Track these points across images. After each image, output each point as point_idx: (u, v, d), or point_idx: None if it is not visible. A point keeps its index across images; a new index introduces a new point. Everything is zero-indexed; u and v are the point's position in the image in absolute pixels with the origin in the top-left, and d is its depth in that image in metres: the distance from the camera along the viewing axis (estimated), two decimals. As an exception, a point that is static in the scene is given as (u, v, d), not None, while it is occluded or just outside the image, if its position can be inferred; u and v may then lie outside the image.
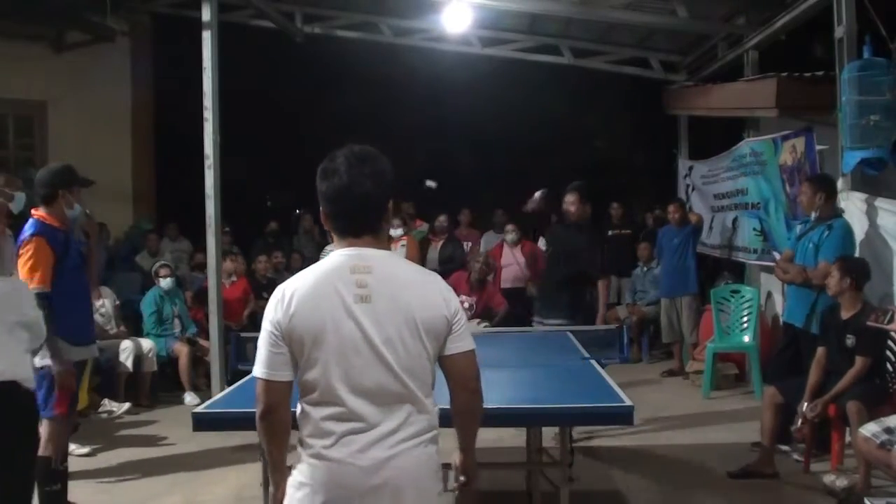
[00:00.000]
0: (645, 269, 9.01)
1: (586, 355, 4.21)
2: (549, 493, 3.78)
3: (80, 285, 4.14)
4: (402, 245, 7.07)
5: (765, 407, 4.90)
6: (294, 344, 1.98)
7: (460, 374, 2.11)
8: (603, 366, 3.96)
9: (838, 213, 5.24)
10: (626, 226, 9.99)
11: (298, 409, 2.05)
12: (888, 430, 3.99)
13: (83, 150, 8.55)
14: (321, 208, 2.11)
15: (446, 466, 2.21)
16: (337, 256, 2.06)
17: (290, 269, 8.62)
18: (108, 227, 8.87)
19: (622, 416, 3.03)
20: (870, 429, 4.07)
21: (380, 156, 2.18)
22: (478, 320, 7.22)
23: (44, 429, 3.91)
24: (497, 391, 3.59)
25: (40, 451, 3.83)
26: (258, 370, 2.01)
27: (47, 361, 3.84)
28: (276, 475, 2.10)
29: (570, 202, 5.95)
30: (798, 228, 5.55)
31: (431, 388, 2.09)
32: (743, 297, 7.38)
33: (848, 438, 4.60)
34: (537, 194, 6.18)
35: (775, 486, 4.68)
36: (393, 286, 2.03)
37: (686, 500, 4.61)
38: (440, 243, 8.56)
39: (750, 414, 5.81)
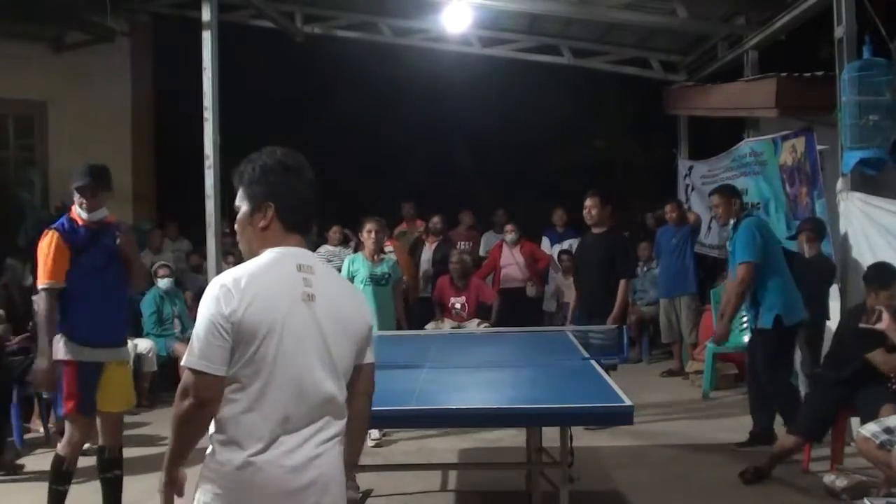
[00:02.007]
0: (644, 269, 9.01)
1: (586, 355, 4.22)
2: (549, 493, 3.78)
3: (100, 286, 4.00)
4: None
5: (787, 446, 4.78)
6: (242, 337, 1.91)
7: (368, 383, 2.21)
8: (603, 366, 3.95)
9: (746, 214, 5.41)
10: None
11: (227, 410, 1.94)
12: (888, 430, 4.00)
13: (83, 150, 8.52)
14: (267, 202, 2.07)
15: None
16: (281, 254, 2.04)
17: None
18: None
19: (622, 416, 3.03)
20: (870, 429, 4.07)
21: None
22: (477, 321, 7.22)
23: (65, 428, 4.00)
24: (497, 391, 3.61)
25: (58, 450, 3.93)
26: (194, 361, 1.90)
27: (60, 357, 3.83)
28: (174, 466, 2.02)
29: (591, 205, 6.16)
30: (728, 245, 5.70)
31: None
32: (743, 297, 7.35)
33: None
34: None
35: (775, 486, 4.68)
36: (332, 290, 2.07)
37: (686, 500, 4.61)
38: (434, 244, 8.50)
39: (749, 414, 5.80)
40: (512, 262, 8.29)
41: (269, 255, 2.04)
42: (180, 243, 9.61)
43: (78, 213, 3.99)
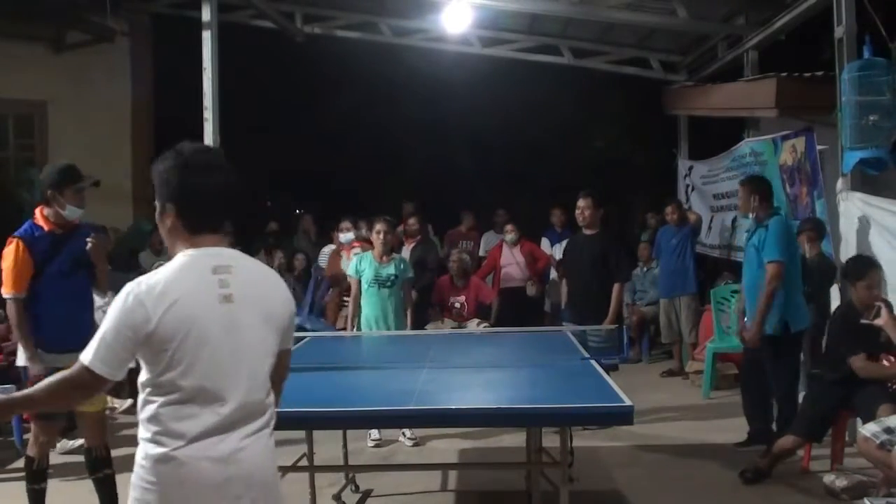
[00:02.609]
0: (644, 269, 9.02)
1: (586, 355, 4.22)
2: (549, 493, 3.78)
3: (67, 291, 3.98)
4: (355, 252, 6.75)
5: (787, 446, 4.78)
6: (155, 345, 1.94)
7: (284, 369, 2.23)
8: (604, 367, 3.95)
9: (773, 213, 5.24)
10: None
11: (149, 409, 1.99)
12: (888, 430, 4.00)
13: (83, 150, 8.53)
14: (174, 202, 2.06)
15: None
16: (196, 256, 2.04)
17: (291, 270, 8.62)
18: (108, 231, 8.84)
19: (622, 416, 3.02)
20: (870, 429, 4.07)
21: (222, 155, 2.19)
22: (477, 321, 7.23)
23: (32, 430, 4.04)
24: (497, 391, 3.60)
25: (28, 451, 4.00)
26: (96, 364, 1.94)
27: (23, 363, 3.89)
28: (20, 409, 2.14)
29: (584, 206, 6.14)
30: (745, 237, 5.61)
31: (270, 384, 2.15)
32: (743, 297, 7.36)
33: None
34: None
35: (775, 486, 4.68)
36: (253, 285, 2.08)
37: (686, 500, 4.61)
38: (412, 245, 8.12)
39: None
40: (512, 262, 8.29)
41: (182, 258, 2.05)
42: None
43: (65, 213, 3.95)
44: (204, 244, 2.06)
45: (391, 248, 6.02)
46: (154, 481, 1.96)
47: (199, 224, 2.07)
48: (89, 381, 1.96)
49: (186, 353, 1.96)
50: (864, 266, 4.64)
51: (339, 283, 6.82)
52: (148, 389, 1.99)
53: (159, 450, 1.96)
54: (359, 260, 5.96)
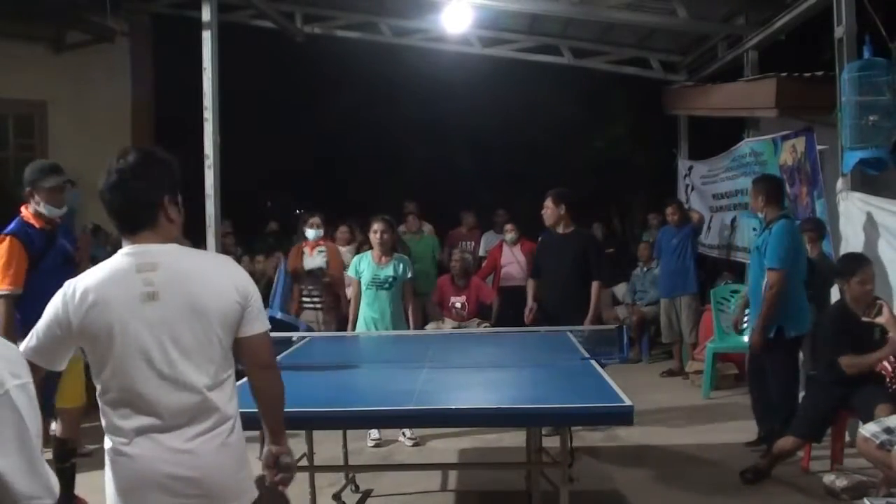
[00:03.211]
0: (645, 269, 9.02)
1: (586, 355, 4.21)
2: (549, 493, 3.78)
3: (56, 287, 4.05)
4: (320, 251, 6.68)
5: (786, 447, 4.77)
6: (85, 343, 2.04)
7: (253, 355, 2.20)
8: (603, 366, 3.95)
9: (782, 215, 5.14)
10: (610, 244, 10.01)
11: (100, 405, 2.09)
12: (888, 431, 4.00)
13: (83, 150, 8.51)
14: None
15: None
16: (121, 256, 2.11)
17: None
18: (106, 230, 8.85)
19: (622, 416, 3.02)
20: (870, 429, 4.07)
21: (153, 154, 2.21)
22: (477, 321, 7.23)
23: None
24: (497, 391, 3.60)
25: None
26: (28, 353, 2.03)
27: None
28: None
29: (546, 205, 6.07)
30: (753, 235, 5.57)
31: (225, 380, 2.13)
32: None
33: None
34: None
35: (775, 486, 4.68)
36: (180, 280, 2.08)
37: (686, 500, 4.61)
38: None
39: (749, 414, 5.80)
40: (512, 261, 8.31)
41: (114, 258, 2.12)
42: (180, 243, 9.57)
43: (43, 211, 4.00)
44: (138, 242, 2.11)
45: (391, 249, 5.84)
46: (110, 474, 2.05)
47: (119, 226, 2.15)
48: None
49: (112, 354, 2.01)
50: (856, 262, 4.64)
51: (299, 279, 6.67)
52: (96, 386, 2.08)
53: (109, 444, 2.07)
54: (358, 261, 5.88)
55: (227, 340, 2.13)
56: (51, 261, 4.02)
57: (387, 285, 5.70)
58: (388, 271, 5.72)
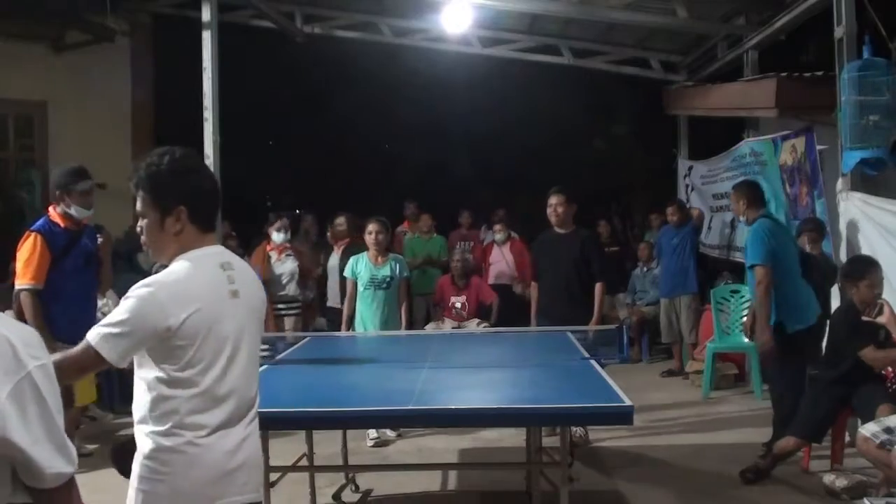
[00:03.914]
0: (645, 269, 9.02)
1: (586, 355, 4.21)
2: (549, 493, 3.78)
3: (79, 286, 4.16)
4: (287, 254, 6.67)
5: (786, 447, 4.75)
6: (174, 345, 1.99)
7: None
8: (603, 366, 3.96)
9: (760, 216, 5.13)
10: (613, 243, 10.01)
11: (165, 405, 2.02)
12: (888, 430, 4.00)
13: (83, 150, 8.51)
14: (184, 205, 2.09)
15: None
16: (203, 256, 2.11)
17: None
18: (108, 230, 8.85)
19: (622, 416, 3.02)
20: (870, 429, 4.08)
21: None
22: (477, 321, 7.23)
23: None
24: (497, 391, 3.61)
25: None
26: (112, 353, 1.95)
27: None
28: None
29: (557, 203, 5.84)
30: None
31: None
32: (743, 297, 7.37)
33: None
34: None
35: (775, 486, 4.68)
36: (247, 280, 2.19)
37: (686, 500, 4.61)
38: (342, 249, 7.31)
39: (750, 414, 5.83)
40: (500, 260, 8.39)
41: (192, 259, 2.08)
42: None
43: (73, 213, 4.06)
44: (209, 242, 2.14)
45: (386, 249, 5.90)
46: (166, 472, 2.02)
47: (208, 223, 2.15)
48: (94, 362, 1.99)
49: (207, 352, 2.04)
50: (866, 265, 4.63)
51: (269, 286, 6.39)
52: (163, 386, 2.02)
53: (177, 441, 2.02)
54: (355, 262, 5.91)
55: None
56: (73, 260, 4.11)
57: (385, 285, 5.79)
58: (386, 271, 5.81)
